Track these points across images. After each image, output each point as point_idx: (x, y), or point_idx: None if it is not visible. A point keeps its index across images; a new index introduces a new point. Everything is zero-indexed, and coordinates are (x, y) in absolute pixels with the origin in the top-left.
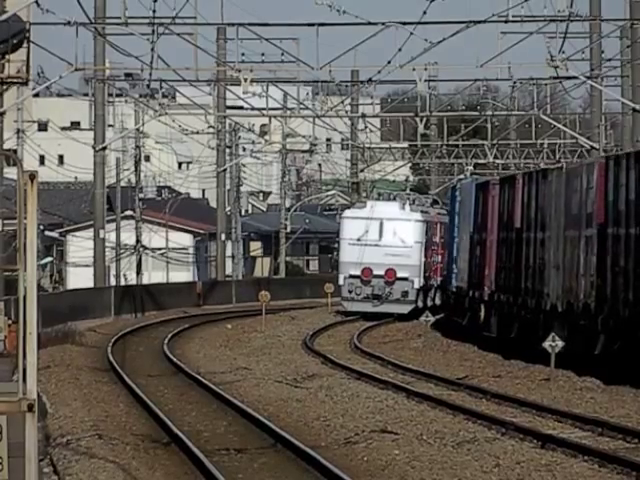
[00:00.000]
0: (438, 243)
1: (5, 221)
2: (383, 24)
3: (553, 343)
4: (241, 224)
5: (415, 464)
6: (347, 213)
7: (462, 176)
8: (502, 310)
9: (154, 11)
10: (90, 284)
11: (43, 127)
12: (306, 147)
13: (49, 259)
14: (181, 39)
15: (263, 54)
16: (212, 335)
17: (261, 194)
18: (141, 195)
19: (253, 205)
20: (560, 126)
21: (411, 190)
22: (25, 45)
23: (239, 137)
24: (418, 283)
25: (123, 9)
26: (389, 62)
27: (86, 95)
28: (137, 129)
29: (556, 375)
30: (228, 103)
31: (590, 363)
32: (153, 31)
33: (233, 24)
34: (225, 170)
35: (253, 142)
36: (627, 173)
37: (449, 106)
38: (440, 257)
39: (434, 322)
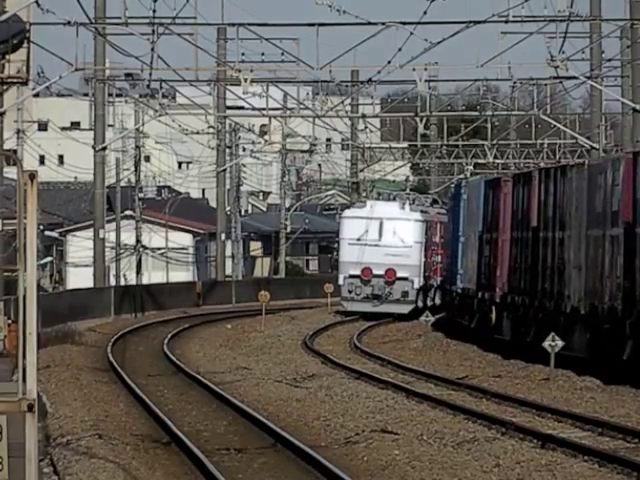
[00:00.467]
0: (438, 243)
1: (5, 221)
2: (383, 24)
3: (553, 343)
4: (241, 224)
5: (415, 464)
6: (347, 213)
7: (462, 176)
8: (516, 313)
9: (154, 11)
10: (90, 284)
11: (43, 127)
12: (306, 147)
13: (49, 259)
14: (181, 39)
15: (263, 54)
16: (212, 335)
17: (261, 194)
18: (141, 195)
19: (253, 205)
20: (560, 126)
21: (411, 190)
22: (25, 45)
23: (239, 137)
24: (418, 283)
25: (123, 9)
26: (389, 62)
27: (86, 95)
28: (137, 129)
29: (556, 375)
30: (228, 103)
31: (590, 363)
32: (153, 31)
33: (233, 24)
34: (225, 170)
35: (253, 142)
36: None
37: (449, 106)
38: (440, 257)
39: (434, 322)
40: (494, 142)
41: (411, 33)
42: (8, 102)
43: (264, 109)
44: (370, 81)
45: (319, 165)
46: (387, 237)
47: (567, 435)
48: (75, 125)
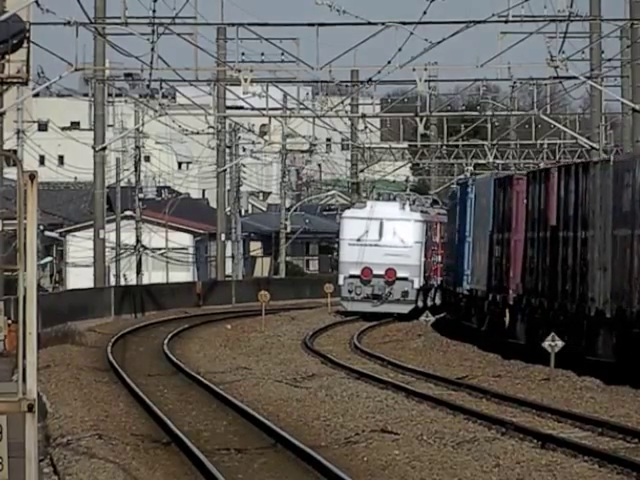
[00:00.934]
0: (438, 243)
1: (5, 221)
2: (383, 24)
3: (553, 343)
4: (241, 224)
5: (415, 464)
6: (347, 213)
7: (462, 176)
8: (532, 315)
9: (154, 11)
10: (90, 284)
11: (43, 127)
12: (306, 147)
13: (49, 259)
14: (181, 39)
15: (263, 54)
16: (212, 335)
17: (261, 194)
18: (141, 195)
19: (253, 205)
20: (560, 126)
21: (411, 190)
22: (25, 45)
23: (239, 137)
24: (418, 283)
25: (123, 9)
26: (389, 62)
27: (86, 95)
28: (137, 129)
29: (556, 375)
30: (228, 103)
31: (590, 363)
32: (153, 31)
33: (233, 24)
34: (225, 170)
35: (253, 142)
36: None
37: (449, 106)
38: (440, 257)
39: (434, 322)
40: (494, 142)
41: (411, 33)
42: (8, 102)
43: (264, 109)
44: (370, 81)
45: (319, 165)
46: (387, 237)
47: (567, 435)
48: (75, 125)
